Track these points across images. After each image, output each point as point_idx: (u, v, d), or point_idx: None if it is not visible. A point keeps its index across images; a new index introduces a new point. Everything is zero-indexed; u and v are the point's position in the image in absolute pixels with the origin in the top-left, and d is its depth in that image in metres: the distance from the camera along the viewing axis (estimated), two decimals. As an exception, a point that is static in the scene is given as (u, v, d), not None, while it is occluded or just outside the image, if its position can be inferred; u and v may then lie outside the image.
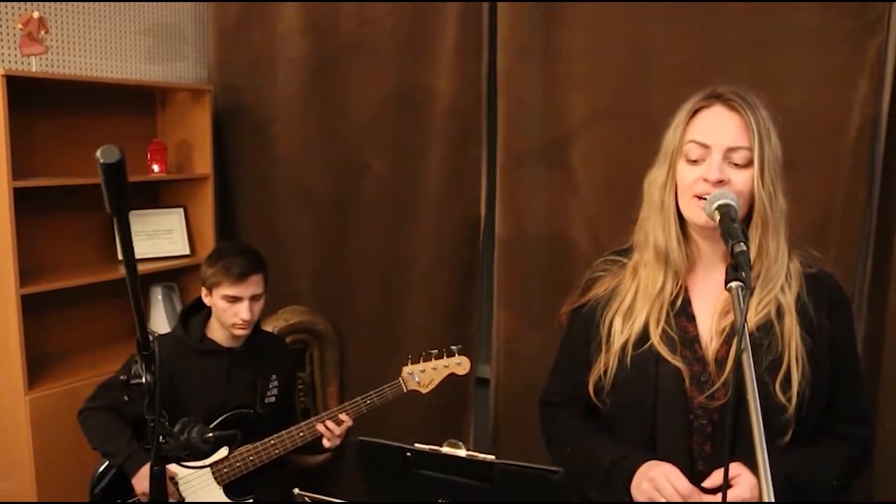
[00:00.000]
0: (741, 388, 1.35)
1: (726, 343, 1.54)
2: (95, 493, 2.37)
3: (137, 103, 3.36)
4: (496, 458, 1.06)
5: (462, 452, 1.07)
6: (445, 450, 1.07)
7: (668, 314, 1.59)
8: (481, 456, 1.06)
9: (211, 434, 2.07)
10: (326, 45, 3.21)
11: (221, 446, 2.31)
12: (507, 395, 3.01)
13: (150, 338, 1.33)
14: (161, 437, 1.56)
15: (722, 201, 1.41)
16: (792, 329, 1.52)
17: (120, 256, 3.15)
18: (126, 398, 1.40)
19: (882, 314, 2.44)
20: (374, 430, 2.88)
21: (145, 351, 1.35)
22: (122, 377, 1.38)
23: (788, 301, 1.54)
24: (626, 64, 2.67)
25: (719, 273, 1.57)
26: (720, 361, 1.53)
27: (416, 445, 1.07)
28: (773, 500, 1.04)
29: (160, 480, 1.43)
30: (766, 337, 1.51)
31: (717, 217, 1.39)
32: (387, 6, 3.07)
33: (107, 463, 2.36)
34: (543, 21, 2.77)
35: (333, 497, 1.16)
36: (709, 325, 1.58)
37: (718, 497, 1.39)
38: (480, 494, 1.04)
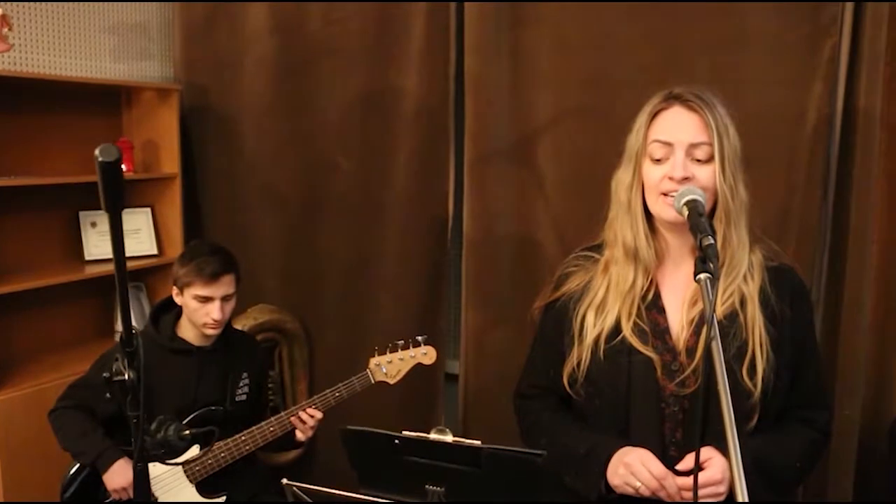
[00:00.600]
0: (710, 375, 1.44)
1: (695, 333, 1.60)
2: (66, 497, 2.36)
3: (103, 102, 3.33)
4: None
5: (449, 438, 1.10)
6: (433, 436, 1.11)
7: (639, 308, 1.65)
8: (468, 441, 1.10)
9: (188, 431, 2.09)
10: (294, 44, 3.22)
11: (198, 443, 2.31)
12: (476, 390, 3.05)
13: (134, 331, 1.34)
14: (139, 435, 1.57)
15: (689, 197, 1.47)
16: (755, 318, 1.59)
17: (87, 256, 3.17)
18: (108, 395, 1.41)
19: (838, 306, 2.53)
20: (343, 424, 2.93)
21: (129, 347, 1.36)
22: (104, 374, 1.39)
23: (751, 291, 1.61)
24: (591, 63, 2.73)
25: (687, 266, 1.65)
26: (690, 351, 1.59)
27: (404, 433, 1.11)
28: (743, 481, 1.10)
29: (144, 478, 1.44)
30: (731, 326, 1.57)
31: (686, 212, 1.45)
32: (353, 6, 3.09)
33: (77, 465, 2.35)
34: (510, 21, 2.82)
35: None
36: (678, 316, 1.64)
37: (691, 479, 1.45)
38: (468, 478, 1.08)
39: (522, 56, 2.83)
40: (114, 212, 1.09)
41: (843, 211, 2.52)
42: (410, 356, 2.50)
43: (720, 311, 1.59)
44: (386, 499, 1.12)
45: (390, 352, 2.48)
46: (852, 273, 2.48)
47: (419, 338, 2.50)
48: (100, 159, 0.99)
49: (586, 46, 2.73)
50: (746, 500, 1.08)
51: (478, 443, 1.09)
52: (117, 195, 1.05)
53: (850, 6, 2.43)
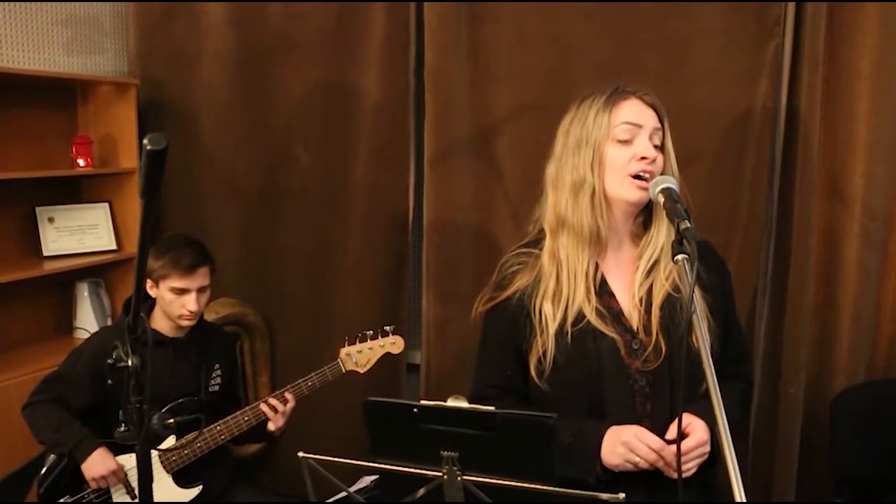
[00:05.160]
0: (672, 349, 1.63)
1: (647, 311, 1.70)
2: (41, 493, 2.35)
3: (57, 97, 3.30)
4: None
5: (465, 404, 1.18)
6: (450, 403, 1.18)
7: (594, 292, 1.72)
8: (483, 407, 1.18)
9: (172, 420, 2.12)
10: (253, 38, 3.25)
11: (175, 433, 2.34)
12: (438, 380, 3.13)
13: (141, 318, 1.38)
14: (122, 426, 1.60)
15: (664, 185, 1.56)
16: (695, 289, 1.69)
17: (45, 252, 3.14)
18: (109, 381, 1.45)
19: (783, 291, 2.69)
20: (310, 418, 2.98)
21: (134, 334, 1.40)
22: (108, 361, 1.42)
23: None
24: (548, 60, 2.83)
25: (627, 249, 1.77)
26: (646, 329, 1.69)
27: (422, 402, 1.18)
28: (729, 436, 1.21)
29: (147, 462, 1.48)
30: (679, 299, 1.68)
31: (661, 199, 1.55)
32: (313, 3, 3.14)
33: (51, 463, 2.35)
34: (469, 18, 2.90)
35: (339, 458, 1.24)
36: (626, 298, 1.73)
37: (685, 445, 1.55)
38: (482, 443, 1.15)
39: (481, 52, 2.92)
40: (150, 200, 1.13)
41: (787, 201, 2.67)
42: (380, 346, 2.57)
43: (667, 286, 1.70)
44: (402, 467, 1.19)
45: (360, 342, 2.55)
46: (796, 259, 2.64)
47: (388, 328, 2.57)
48: (148, 147, 1.04)
49: (543, 43, 2.83)
50: (734, 455, 1.18)
51: (491, 408, 1.17)
52: (157, 184, 1.10)
53: (791, 7, 2.58)
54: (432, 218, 3.05)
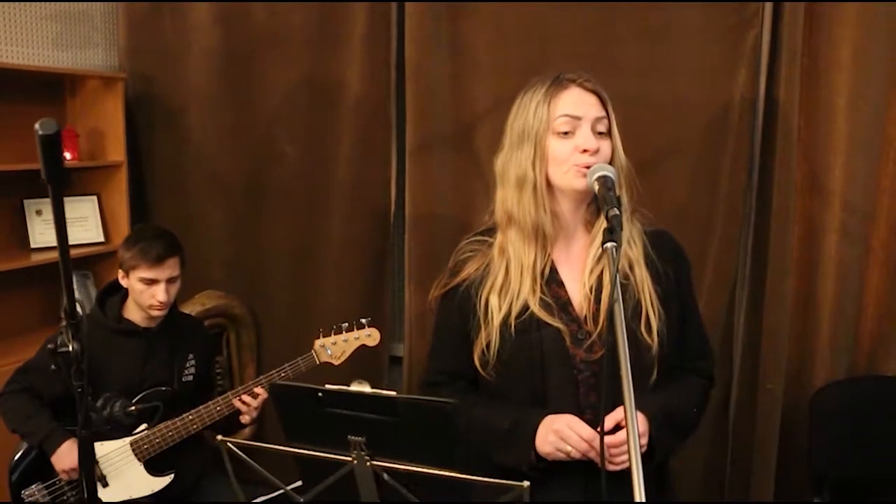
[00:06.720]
0: (614, 334, 1.50)
1: (596, 301, 1.68)
2: (14, 480, 2.38)
3: (46, 90, 3.33)
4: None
5: (367, 389, 1.18)
6: (353, 388, 1.18)
7: (540, 284, 1.71)
8: (384, 392, 1.18)
9: (133, 407, 2.14)
10: (238, 35, 3.27)
11: (144, 420, 2.36)
12: (421, 372, 3.11)
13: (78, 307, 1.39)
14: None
15: (601, 173, 1.54)
16: (644, 278, 1.68)
17: (32, 244, 3.18)
18: (52, 367, 1.46)
19: (762, 285, 2.66)
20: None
21: (73, 319, 1.41)
22: (49, 346, 1.43)
23: (636, 255, 1.70)
24: (527, 54, 2.82)
25: (579, 239, 1.74)
26: (594, 318, 1.67)
27: (326, 386, 1.18)
28: (638, 426, 1.19)
29: (89, 448, 1.49)
30: (625, 287, 1.66)
31: (596, 187, 1.53)
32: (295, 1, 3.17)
33: (24, 449, 2.38)
34: (449, 13, 2.91)
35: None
36: (577, 287, 1.72)
37: (617, 437, 1.55)
38: (386, 427, 1.16)
39: (462, 47, 2.92)
40: (54, 183, 1.15)
41: (766, 194, 2.65)
42: (354, 338, 2.57)
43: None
44: (311, 451, 1.19)
45: (335, 333, 2.55)
46: (775, 253, 2.61)
47: (363, 320, 2.57)
48: (40, 132, 1.06)
49: (522, 38, 2.83)
50: (638, 453, 1.16)
51: (393, 393, 1.18)
52: (57, 166, 1.12)
53: (769, 6, 2.56)
54: (414, 211, 3.05)
